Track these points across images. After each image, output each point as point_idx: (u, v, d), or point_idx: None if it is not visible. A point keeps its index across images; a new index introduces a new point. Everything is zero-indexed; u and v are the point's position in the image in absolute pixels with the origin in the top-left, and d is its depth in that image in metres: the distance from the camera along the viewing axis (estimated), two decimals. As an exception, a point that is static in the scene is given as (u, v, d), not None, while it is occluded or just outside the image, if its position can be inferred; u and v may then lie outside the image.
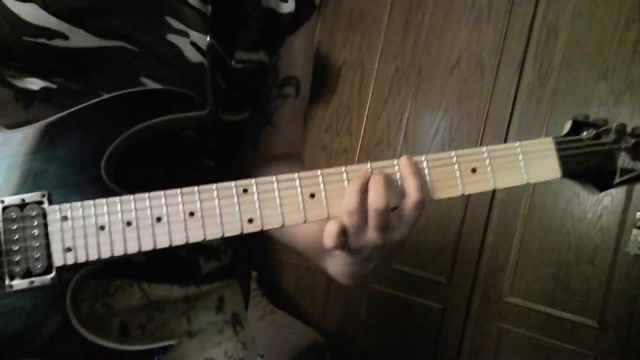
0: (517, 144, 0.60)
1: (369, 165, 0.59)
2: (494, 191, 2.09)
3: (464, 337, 2.15)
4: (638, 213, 1.86)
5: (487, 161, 0.60)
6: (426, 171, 0.59)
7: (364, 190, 0.57)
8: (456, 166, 0.59)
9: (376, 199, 0.56)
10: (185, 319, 0.72)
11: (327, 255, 0.67)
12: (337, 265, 0.64)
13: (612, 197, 1.91)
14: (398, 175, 0.59)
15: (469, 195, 0.88)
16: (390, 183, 0.58)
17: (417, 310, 2.22)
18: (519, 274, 2.04)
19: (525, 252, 2.03)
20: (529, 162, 0.60)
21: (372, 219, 0.56)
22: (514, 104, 2.09)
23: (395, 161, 0.59)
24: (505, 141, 2.09)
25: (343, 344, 2.35)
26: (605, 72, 1.94)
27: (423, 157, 0.59)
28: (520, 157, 0.60)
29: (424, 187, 0.58)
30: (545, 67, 2.04)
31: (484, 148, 0.60)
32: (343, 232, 0.57)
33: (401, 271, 2.22)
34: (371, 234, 0.57)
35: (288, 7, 0.75)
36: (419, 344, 2.22)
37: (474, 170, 0.59)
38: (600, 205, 1.92)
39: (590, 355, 1.93)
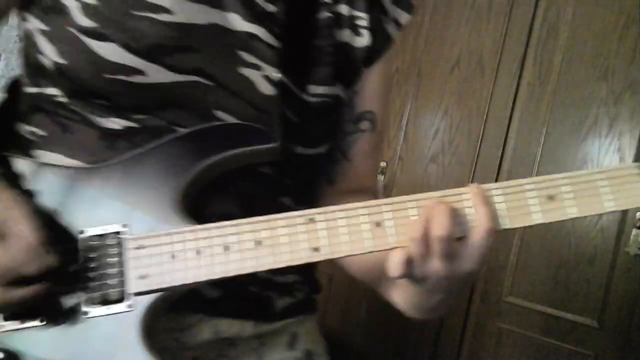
0: (598, 169, 0.59)
1: (438, 193, 0.59)
2: (494, 191, 2.10)
3: (464, 337, 2.15)
4: (638, 213, 1.86)
5: (566, 188, 0.59)
6: (500, 199, 0.59)
7: (429, 219, 0.57)
8: (532, 193, 0.59)
9: (439, 226, 0.56)
10: (255, 356, 0.73)
11: (391, 284, 0.67)
12: (403, 296, 0.65)
13: (612, 197, 1.91)
14: (469, 203, 0.59)
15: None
16: (455, 213, 0.57)
17: (417, 310, 2.22)
18: (519, 274, 2.04)
19: (525, 252, 2.03)
20: (613, 189, 0.59)
21: (435, 247, 0.56)
22: (514, 104, 2.08)
23: (466, 189, 0.59)
24: (505, 141, 2.09)
25: (343, 344, 2.35)
26: (605, 72, 1.93)
27: (496, 185, 0.59)
28: (603, 183, 0.59)
29: (493, 215, 0.58)
30: (545, 67, 2.04)
31: (562, 175, 0.59)
32: (408, 261, 0.57)
33: (401, 271, 2.22)
34: (435, 263, 0.57)
35: (363, 42, 0.75)
36: (419, 344, 2.22)
37: (550, 198, 0.59)
38: (600, 205, 1.92)
39: (590, 355, 1.93)
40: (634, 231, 1.86)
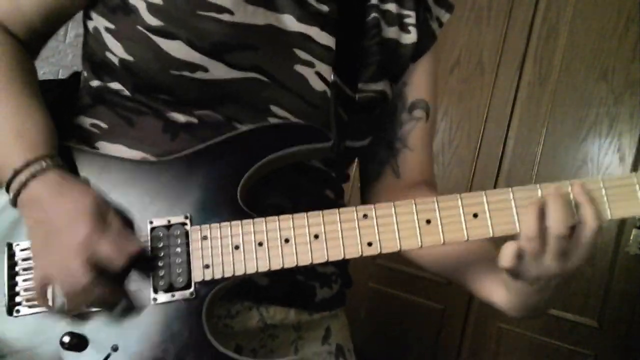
0: None
1: (538, 190, 0.60)
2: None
3: (464, 337, 2.15)
4: (638, 213, 1.86)
5: None
6: (603, 192, 0.59)
7: (542, 215, 0.57)
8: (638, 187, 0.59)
9: (557, 224, 0.56)
10: (293, 348, 0.76)
11: (493, 284, 0.68)
12: (507, 295, 0.66)
13: (612, 197, 1.91)
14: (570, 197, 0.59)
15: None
16: (569, 207, 0.58)
17: (417, 310, 2.22)
18: (519, 274, 2.05)
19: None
20: None
21: (552, 245, 0.57)
22: (514, 104, 2.09)
23: (566, 183, 0.59)
24: (505, 141, 2.09)
25: (343, 344, 2.35)
26: (605, 72, 1.94)
27: (599, 179, 0.59)
28: None
29: (600, 214, 0.58)
30: (545, 67, 2.04)
31: None
32: (520, 255, 0.58)
33: (401, 271, 2.22)
34: (550, 261, 0.57)
35: (410, 38, 0.78)
36: (419, 344, 2.22)
37: None
38: (600, 205, 1.92)
39: (590, 355, 1.93)
40: (634, 231, 1.86)
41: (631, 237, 1.87)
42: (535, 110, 2.05)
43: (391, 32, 0.77)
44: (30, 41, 0.73)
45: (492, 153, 2.10)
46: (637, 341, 1.86)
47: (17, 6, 0.70)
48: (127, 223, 0.63)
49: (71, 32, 2.01)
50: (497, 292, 0.68)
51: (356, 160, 0.87)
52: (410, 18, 0.78)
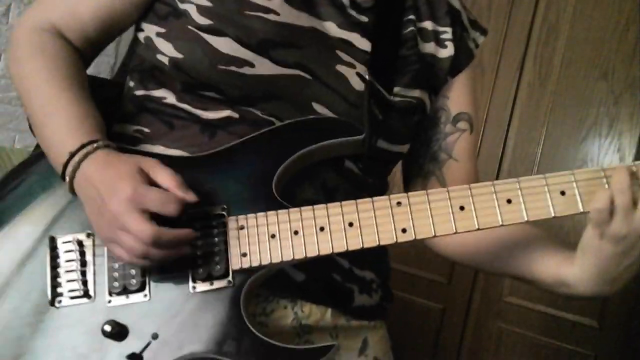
0: None
1: (571, 176, 0.62)
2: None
3: (464, 337, 2.15)
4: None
5: None
6: None
7: (632, 174, 0.59)
8: None
9: None
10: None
11: (560, 258, 0.69)
12: (586, 263, 0.65)
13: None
14: None
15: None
16: None
17: (417, 310, 2.22)
18: (519, 274, 2.04)
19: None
20: None
21: None
22: (514, 104, 2.09)
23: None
24: (505, 141, 2.09)
25: (343, 344, 2.35)
26: (605, 72, 1.94)
27: None
28: None
29: None
30: (545, 67, 2.04)
31: None
32: (612, 205, 0.59)
33: (401, 271, 2.22)
34: None
35: (447, 52, 0.82)
36: (419, 344, 2.22)
37: None
38: (600, 205, 1.92)
39: (590, 355, 1.93)
40: (634, 231, 1.86)
41: (631, 237, 1.87)
42: (535, 110, 2.05)
43: (428, 47, 0.81)
44: (84, 49, 0.78)
45: (492, 153, 2.10)
46: (637, 341, 1.86)
47: (74, 16, 0.75)
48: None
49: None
50: (568, 268, 0.68)
51: (401, 173, 0.90)
52: (447, 34, 0.82)
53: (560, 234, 1.96)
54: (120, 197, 0.60)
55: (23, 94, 0.73)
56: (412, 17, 0.80)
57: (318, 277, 0.72)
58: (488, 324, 2.10)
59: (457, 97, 0.84)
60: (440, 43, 0.82)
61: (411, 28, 0.79)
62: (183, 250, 0.62)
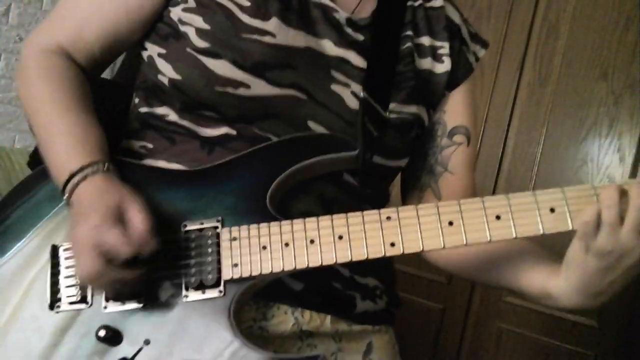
0: None
1: (561, 193, 0.61)
2: (494, 190, 2.10)
3: (464, 337, 2.15)
4: (638, 213, 1.86)
5: None
6: None
7: (622, 192, 0.59)
8: None
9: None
10: (333, 359, 0.77)
11: (546, 272, 0.69)
12: (571, 277, 0.65)
13: (612, 197, 1.91)
14: None
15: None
16: None
17: (417, 310, 2.22)
18: (519, 274, 2.04)
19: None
20: None
21: (632, 216, 0.58)
22: (514, 104, 2.09)
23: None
24: (505, 141, 2.09)
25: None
26: (605, 72, 1.94)
27: None
28: None
29: None
30: (545, 67, 2.04)
31: None
32: (599, 220, 0.59)
33: (401, 271, 2.22)
34: (626, 233, 0.59)
35: (443, 68, 0.83)
36: (419, 344, 2.22)
37: None
38: (600, 205, 1.92)
39: (590, 355, 1.93)
40: (634, 231, 1.86)
41: (631, 237, 1.86)
42: (535, 110, 2.05)
43: (424, 63, 0.82)
44: (90, 69, 0.80)
45: (492, 153, 2.10)
46: (637, 341, 1.86)
47: (81, 37, 0.78)
48: (164, 223, 0.67)
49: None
50: (553, 280, 0.68)
51: (399, 186, 0.90)
52: (444, 49, 0.83)
53: (560, 234, 1.96)
54: (83, 227, 0.62)
55: (30, 113, 0.76)
56: (410, 33, 0.81)
57: (317, 286, 0.73)
58: (488, 324, 2.10)
59: (454, 110, 0.85)
60: (437, 58, 0.82)
61: (408, 44, 0.80)
62: (131, 281, 0.64)
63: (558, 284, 0.67)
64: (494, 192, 2.09)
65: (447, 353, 2.17)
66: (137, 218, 0.63)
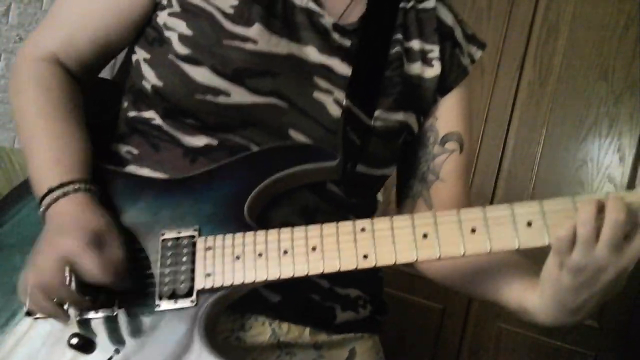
0: None
1: (538, 206, 0.59)
2: (494, 190, 2.10)
3: (464, 337, 2.15)
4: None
5: None
6: None
7: (600, 207, 0.56)
8: None
9: (616, 210, 0.55)
10: None
11: (524, 288, 0.67)
12: (546, 293, 0.63)
13: (612, 197, 1.91)
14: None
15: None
16: (629, 207, 0.56)
17: (417, 310, 2.22)
18: (519, 274, 2.04)
19: (525, 251, 2.03)
20: None
21: (607, 232, 0.56)
22: (514, 104, 2.09)
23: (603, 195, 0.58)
24: (505, 141, 2.09)
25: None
26: (605, 72, 1.94)
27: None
28: None
29: None
30: (545, 67, 2.04)
31: None
32: (574, 236, 0.57)
33: (401, 271, 2.22)
34: (600, 250, 0.56)
35: (433, 72, 0.80)
36: (419, 344, 2.22)
37: None
38: (600, 205, 1.92)
39: (590, 355, 1.93)
40: (634, 231, 1.86)
41: (631, 237, 1.86)
42: (535, 110, 2.04)
43: (413, 68, 0.79)
44: (82, 75, 0.80)
45: (492, 153, 2.10)
46: (637, 341, 1.86)
47: (72, 44, 0.77)
48: (135, 250, 0.67)
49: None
50: (529, 295, 0.66)
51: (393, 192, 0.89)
52: (434, 52, 0.80)
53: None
54: (66, 240, 0.62)
55: (17, 122, 0.75)
56: (399, 36, 0.79)
57: (294, 299, 0.72)
58: (488, 324, 2.10)
59: (446, 116, 0.83)
60: (427, 62, 0.80)
61: (397, 48, 0.78)
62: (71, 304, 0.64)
63: (533, 300, 0.65)
64: (494, 192, 2.10)
65: (447, 353, 2.17)
66: (117, 253, 0.64)
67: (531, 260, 0.70)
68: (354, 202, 0.77)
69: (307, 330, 0.74)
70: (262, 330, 0.72)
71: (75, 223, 0.64)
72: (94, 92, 0.81)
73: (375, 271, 0.83)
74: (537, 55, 2.05)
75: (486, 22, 2.14)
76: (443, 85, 0.81)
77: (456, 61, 0.83)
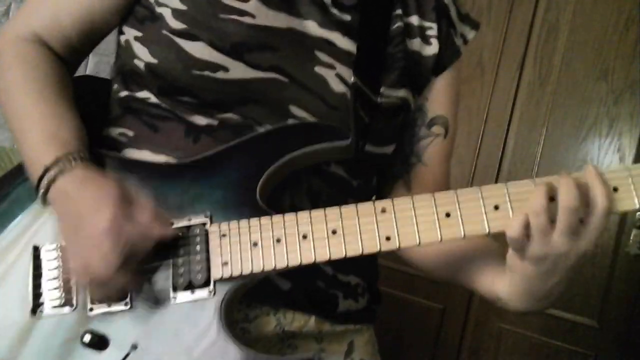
0: None
1: (532, 182, 0.57)
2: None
3: (464, 337, 2.15)
4: (638, 213, 1.86)
5: None
6: (630, 180, 0.57)
7: (551, 192, 0.56)
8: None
9: (568, 197, 0.55)
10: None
11: (495, 274, 0.67)
12: (512, 283, 0.63)
13: (612, 197, 1.91)
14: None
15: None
16: (580, 187, 0.55)
17: (417, 310, 2.22)
18: (519, 274, 2.04)
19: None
20: None
21: (561, 219, 0.55)
22: (514, 104, 2.09)
23: (566, 175, 0.57)
24: (505, 141, 2.09)
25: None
26: (605, 72, 1.94)
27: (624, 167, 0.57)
28: None
29: (610, 195, 0.56)
30: (545, 67, 2.04)
31: None
32: (527, 226, 0.56)
33: (401, 271, 2.22)
34: (557, 238, 0.56)
35: (431, 50, 0.79)
36: (419, 344, 2.22)
37: None
38: (600, 205, 1.92)
39: (590, 355, 1.93)
40: (634, 231, 1.86)
41: (631, 237, 1.87)
42: (535, 110, 2.04)
43: (414, 44, 0.78)
44: (68, 57, 0.77)
45: (492, 153, 2.10)
46: (637, 341, 1.86)
47: (56, 24, 0.74)
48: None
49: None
50: (500, 281, 0.66)
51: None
52: (432, 30, 0.79)
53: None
54: (100, 220, 0.59)
55: (3, 105, 0.72)
56: (399, 11, 0.77)
57: (303, 285, 0.71)
58: (488, 324, 2.10)
59: (436, 98, 0.82)
60: (426, 40, 0.79)
61: (399, 24, 0.77)
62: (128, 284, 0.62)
63: (504, 288, 0.65)
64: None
65: (447, 353, 2.17)
66: (146, 207, 0.61)
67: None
68: (355, 185, 0.76)
69: (313, 318, 0.73)
70: (268, 320, 0.71)
71: (97, 195, 0.61)
72: (82, 85, 0.78)
73: (373, 259, 0.83)
74: (537, 55, 2.05)
75: (486, 22, 2.14)
76: (438, 65, 0.80)
77: (450, 41, 0.81)
